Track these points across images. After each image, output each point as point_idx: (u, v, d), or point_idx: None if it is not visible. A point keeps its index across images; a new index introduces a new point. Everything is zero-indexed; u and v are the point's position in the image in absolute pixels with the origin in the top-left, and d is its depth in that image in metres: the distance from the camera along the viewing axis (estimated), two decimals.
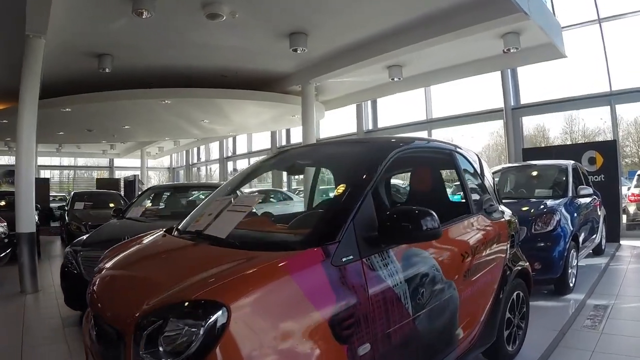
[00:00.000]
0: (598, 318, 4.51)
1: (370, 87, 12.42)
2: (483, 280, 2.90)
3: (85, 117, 13.92)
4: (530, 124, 15.04)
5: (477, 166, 3.41)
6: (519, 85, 11.95)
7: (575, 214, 5.76)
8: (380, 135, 15.57)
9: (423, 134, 13.84)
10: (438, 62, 10.25)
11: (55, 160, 30.78)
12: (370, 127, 15.79)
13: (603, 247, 7.83)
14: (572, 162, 6.87)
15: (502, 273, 3.19)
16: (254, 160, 19.16)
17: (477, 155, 3.56)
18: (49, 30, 6.84)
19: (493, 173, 7.49)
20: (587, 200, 6.61)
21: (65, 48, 9.02)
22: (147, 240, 2.81)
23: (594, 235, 7.06)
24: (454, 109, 13.46)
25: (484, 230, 3.07)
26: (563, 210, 5.53)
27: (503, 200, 6.40)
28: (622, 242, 9.01)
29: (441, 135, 14.03)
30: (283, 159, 3.60)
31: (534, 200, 5.97)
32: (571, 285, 5.41)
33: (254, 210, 3.07)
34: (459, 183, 3.26)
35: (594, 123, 13.50)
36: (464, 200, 3.20)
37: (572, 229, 5.49)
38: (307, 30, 8.48)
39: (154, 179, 34.03)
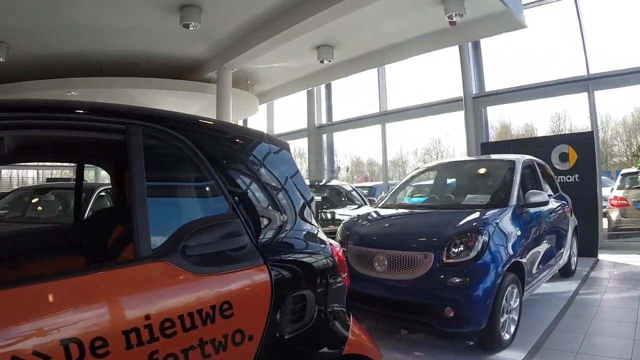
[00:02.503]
0: None
1: (306, 74, 10.76)
2: None
3: None
4: (518, 122, 13.47)
5: (205, 156, 1.59)
6: (483, 71, 10.18)
7: (520, 231, 3.94)
8: (334, 131, 13.83)
9: (377, 129, 12.07)
10: (375, 40, 8.50)
11: None
12: (324, 122, 13.98)
13: (573, 267, 6.04)
14: (526, 157, 5.05)
15: None
16: None
17: (222, 130, 1.77)
18: None
19: (424, 171, 5.76)
20: (547, 208, 4.82)
21: None
22: None
23: (561, 251, 5.33)
24: (413, 100, 11.63)
25: (157, 299, 1.33)
26: (499, 227, 3.72)
27: (419, 210, 4.58)
28: (600, 256, 7.22)
29: (398, 129, 12.26)
30: None
31: (460, 210, 4.15)
32: (507, 338, 3.58)
33: None
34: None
35: (582, 122, 12.05)
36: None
37: (510, 253, 3.67)
38: (198, 1, 6.92)
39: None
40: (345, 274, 2.03)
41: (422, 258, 3.54)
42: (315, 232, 1.89)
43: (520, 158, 4.77)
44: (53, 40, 8.56)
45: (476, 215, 3.83)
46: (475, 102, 9.81)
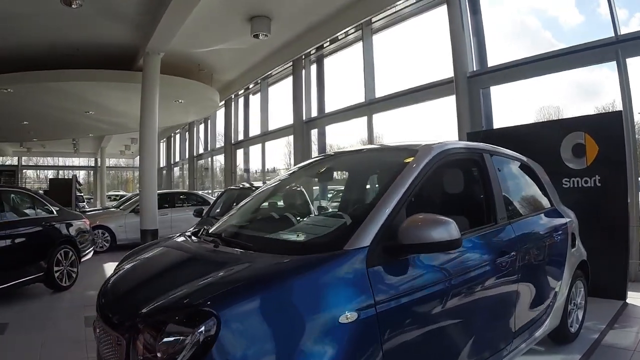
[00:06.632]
0: None
1: (264, 55, 9.02)
2: None
3: None
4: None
5: None
6: (484, 42, 7.88)
7: (369, 308, 1.77)
8: (322, 125, 11.80)
9: (362, 121, 9.96)
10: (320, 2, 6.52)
11: (46, 161, 33.33)
12: (315, 114, 11.94)
13: (574, 328, 3.76)
14: (456, 145, 2.87)
15: None
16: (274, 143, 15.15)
17: None
18: None
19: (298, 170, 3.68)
20: (494, 241, 2.70)
21: None
22: None
23: (543, 307, 3.18)
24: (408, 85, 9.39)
25: None
26: (276, 304, 1.65)
27: (206, 246, 2.20)
28: (632, 296, 4.82)
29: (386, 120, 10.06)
30: None
31: (243, 253, 2.11)
32: None
33: None
34: None
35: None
36: None
37: None
38: None
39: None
40: None
41: (116, 342, 1.82)
42: None
43: (433, 147, 2.53)
44: None
45: (240, 268, 1.87)
46: (472, 82, 7.54)
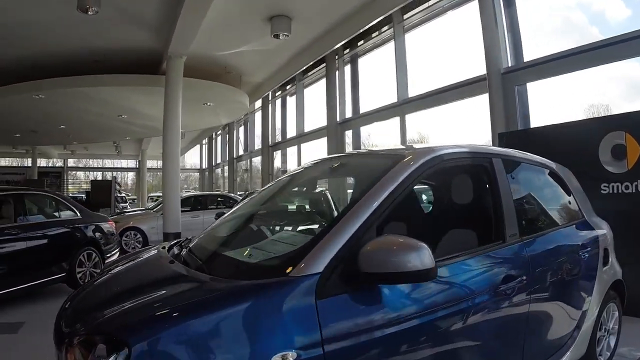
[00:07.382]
0: None
1: (292, 54, 8.80)
2: None
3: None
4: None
5: None
6: (520, 36, 7.35)
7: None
8: (356, 126, 11.48)
9: (395, 122, 9.60)
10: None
11: (95, 162, 34.85)
12: (349, 115, 11.63)
13: (603, 356, 3.27)
14: (456, 149, 2.42)
15: None
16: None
17: None
18: None
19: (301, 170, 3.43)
20: (495, 262, 2.30)
21: None
22: None
23: (564, 335, 2.73)
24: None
25: None
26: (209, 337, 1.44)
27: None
28: None
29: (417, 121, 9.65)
30: None
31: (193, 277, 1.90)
32: None
33: None
34: None
35: None
36: None
37: None
38: None
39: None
40: None
41: (61, 356, 1.66)
42: None
43: (422, 153, 2.16)
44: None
45: (174, 292, 1.77)
46: (506, 78, 7.05)
